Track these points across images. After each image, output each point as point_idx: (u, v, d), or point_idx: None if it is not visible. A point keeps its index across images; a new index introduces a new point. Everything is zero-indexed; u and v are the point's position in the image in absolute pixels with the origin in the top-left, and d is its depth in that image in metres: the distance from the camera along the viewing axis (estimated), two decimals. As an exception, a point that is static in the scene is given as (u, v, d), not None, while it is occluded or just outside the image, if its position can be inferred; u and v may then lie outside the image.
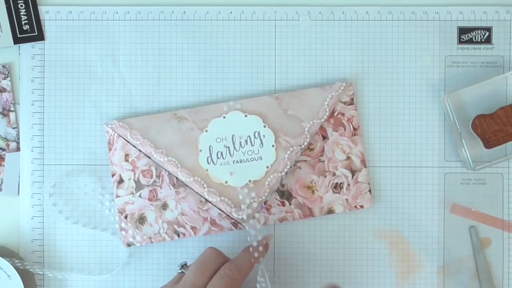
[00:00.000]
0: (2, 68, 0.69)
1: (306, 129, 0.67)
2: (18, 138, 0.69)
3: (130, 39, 0.69)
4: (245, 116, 0.67)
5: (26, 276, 0.67)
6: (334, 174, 0.68)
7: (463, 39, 0.69)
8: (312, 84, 0.69)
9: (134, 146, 0.67)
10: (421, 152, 0.69)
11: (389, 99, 0.69)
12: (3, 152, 0.69)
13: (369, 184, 0.68)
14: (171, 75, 0.69)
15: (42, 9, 0.69)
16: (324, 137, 0.68)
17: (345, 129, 0.68)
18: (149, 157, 0.67)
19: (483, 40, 0.69)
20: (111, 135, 0.68)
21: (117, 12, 0.69)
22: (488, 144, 0.67)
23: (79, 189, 0.69)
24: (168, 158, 0.67)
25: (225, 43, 0.69)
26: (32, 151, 0.69)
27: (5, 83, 0.69)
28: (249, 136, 0.67)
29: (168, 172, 0.67)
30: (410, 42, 0.69)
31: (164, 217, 0.67)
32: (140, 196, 0.68)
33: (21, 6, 0.69)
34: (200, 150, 0.67)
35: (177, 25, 0.69)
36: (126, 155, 0.68)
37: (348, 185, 0.68)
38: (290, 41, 0.69)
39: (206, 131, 0.67)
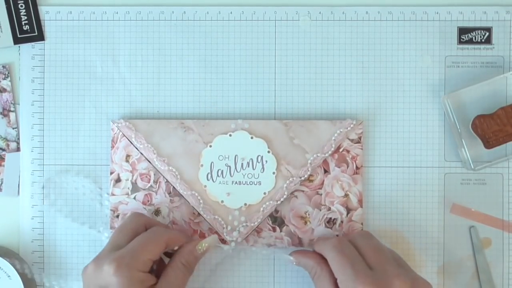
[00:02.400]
0: (2, 68, 0.69)
1: (309, 161, 0.67)
2: (18, 138, 0.69)
3: (130, 39, 0.69)
4: (251, 138, 0.67)
5: (26, 276, 0.67)
6: (329, 209, 0.68)
7: (463, 39, 0.69)
8: (312, 84, 0.69)
9: (136, 149, 0.67)
10: (421, 152, 0.69)
11: (389, 99, 0.69)
12: (3, 152, 0.69)
13: (362, 224, 0.68)
14: (171, 75, 0.69)
15: (42, 9, 0.69)
16: (326, 171, 0.68)
17: (347, 166, 0.68)
18: (149, 162, 0.67)
19: (483, 40, 0.69)
20: (115, 133, 0.68)
21: (117, 12, 0.69)
22: (488, 144, 0.67)
23: (78, 190, 0.69)
24: (169, 167, 0.67)
25: (225, 43, 0.69)
26: (32, 151, 0.69)
27: (5, 83, 0.69)
28: (251, 159, 0.67)
29: (166, 179, 0.67)
30: (410, 42, 0.69)
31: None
32: (134, 198, 0.68)
33: (21, 6, 0.69)
34: (202, 165, 0.67)
35: (177, 25, 0.69)
36: (128, 155, 0.68)
37: (342, 222, 0.68)
38: (290, 41, 0.69)
39: (210, 146, 0.67)
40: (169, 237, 0.62)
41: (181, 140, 0.67)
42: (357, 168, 0.68)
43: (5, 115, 0.69)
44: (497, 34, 0.69)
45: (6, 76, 0.69)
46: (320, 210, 0.68)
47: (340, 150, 0.68)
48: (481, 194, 0.69)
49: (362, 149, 0.68)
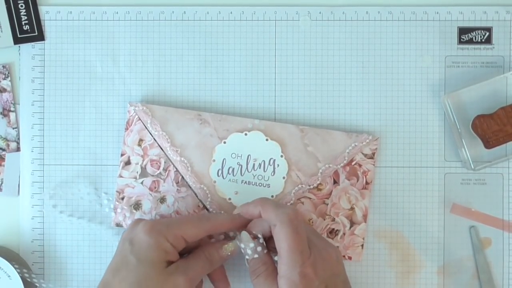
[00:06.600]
0: (2, 68, 0.69)
1: (320, 171, 0.67)
2: (18, 138, 0.69)
3: (130, 39, 0.69)
4: (266, 140, 0.67)
5: (26, 276, 0.67)
6: (333, 220, 0.68)
7: (463, 39, 0.69)
8: (312, 84, 0.69)
9: (151, 135, 0.67)
10: (421, 152, 0.69)
11: (389, 99, 0.69)
12: (3, 152, 0.69)
13: (363, 239, 0.68)
14: (171, 75, 0.69)
15: (42, 9, 0.69)
16: (335, 182, 0.68)
17: (357, 180, 0.68)
18: (162, 149, 0.67)
19: (483, 40, 0.69)
20: (131, 115, 0.68)
21: (117, 12, 0.69)
22: (488, 144, 0.67)
23: (80, 191, 0.69)
24: (181, 158, 0.67)
25: (225, 43, 0.69)
26: (32, 151, 0.69)
27: (5, 83, 0.69)
28: (264, 161, 0.67)
29: (176, 169, 0.67)
30: (410, 42, 0.69)
31: (159, 209, 0.68)
32: (142, 183, 0.68)
33: (21, 6, 0.69)
34: (214, 160, 0.67)
35: (177, 25, 0.69)
36: (141, 140, 0.68)
37: (344, 234, 0.68)
38: (290, 41, 0.69)
39: (225, 142, 0.67)
40: (212, 224, 0.62)
41: (196, 132, 0.67)
42: (366, 183, 0.68)
43: (5, 115, 0.69)
44: (497, 34, 0.69)
45: (6, 76, 0.69)
46: (324, 220, 0.68)
47: (353, 163, 0.67)
48: (481, 194, 0.69)
49: (374, 165, 0.68)
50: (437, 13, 0.69)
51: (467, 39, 0.69)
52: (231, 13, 0.69)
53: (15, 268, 0.66)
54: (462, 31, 0.69)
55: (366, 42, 0.69)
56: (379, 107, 0.69)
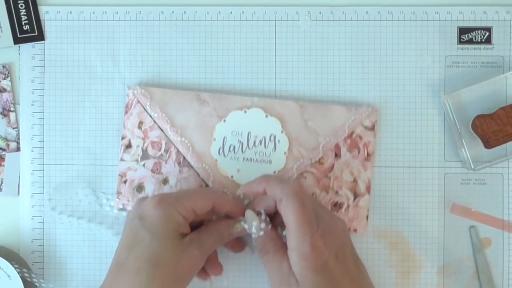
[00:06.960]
0: (2, 68, 0.69)
1: (321, 145, 0.67)
2: (18, 138, 0.69)
3: (130, 39, 0.69)
4: (266, 116, 0.67)
5: (25, 276, 0.67)
6: (336, 193, 0.68)
7: (463, 39, 0.69)
8: (311, 84, 0.69)
9: (150, 117, 0.67)
10: (421, 152, 0.69)
11: (389, 99, 0.69)
12: (3, 152, 0.69)
13: (368, 210, 0.68)
14: (171, 75, 0.69)
15: (42, 9, 0.69)
16: (337, 155, 0.68)
17: (359, 152, 0.68)
18: (162, 131, 0.68)
19: (483, 40, 0.69)
20: (130, 98, 0.68)
21: (117, 12, 0.69)
22: (488, 144, 0.67)
23: (80, 192, 0.69)
24: (182, 138, 0.67)
25: (225, 43, 0.69)
26: (32, 151, 0.69)
27: (5, 83, 0.69)
28: (264, 137, 0.67)
29: (177, 150, 0.67)
30: (410, 42, 0.69)
31: (162, 191, 0.68)
32: (144, 165, 0.68)
33: (21, 6, 0.69)
34: (214, 139, 0.67)
35: (177, 25, 0.69)
36: (141, 122, 0.68)
37: (348, 206, 0.68)
38: (290, 41, 0.69)
39: (224, 121, 0.67)
40: (218, 197, 0.63)
41: (195, 113, 0.67)
42: (368, 154, 0.68)
43: (5, 115, 0.69)
44: (497, 34, 0.69)
45: (6, 76, 0.69)
46: (328, 193, 0.68)
47: (353, 136, 0.68)
48: (481, 194, 0.69)
49: (374, 137, 0.68)
50: (437, 13, 0.69)
51: (467, 39, 0.69)
52: (231, 13, 0.69)
53: (15, 268, 0.66)
54: (462, 31, 0.69)
55: (366, 42, 0.69)
56: (379, 107, 0.69)
